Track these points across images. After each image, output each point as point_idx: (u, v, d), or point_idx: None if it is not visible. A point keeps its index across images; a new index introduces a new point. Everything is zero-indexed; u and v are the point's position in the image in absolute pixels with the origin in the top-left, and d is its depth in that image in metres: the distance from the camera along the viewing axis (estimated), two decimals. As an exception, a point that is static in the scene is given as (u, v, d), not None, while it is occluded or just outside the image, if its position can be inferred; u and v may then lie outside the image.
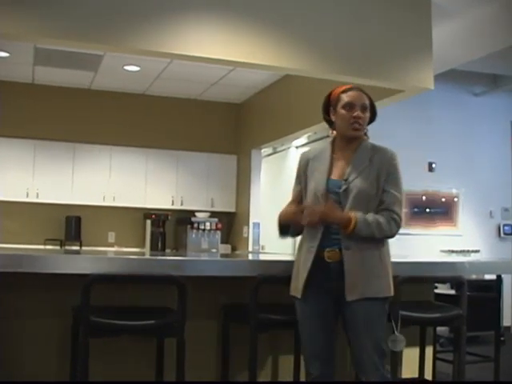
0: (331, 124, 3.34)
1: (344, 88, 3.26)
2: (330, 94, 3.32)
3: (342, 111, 3.20)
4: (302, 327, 3.23)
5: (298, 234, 3.39)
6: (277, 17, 5.22)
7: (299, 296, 3.19)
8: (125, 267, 3.27)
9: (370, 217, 3.07)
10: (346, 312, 3.11)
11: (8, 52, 7.77)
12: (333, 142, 3.32)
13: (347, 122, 3.18)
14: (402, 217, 3.16)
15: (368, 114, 3.22)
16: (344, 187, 3.12)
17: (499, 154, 9.27)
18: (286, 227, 3.36)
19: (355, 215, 3.03)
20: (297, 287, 3.21)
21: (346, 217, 3.04)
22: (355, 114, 3.16)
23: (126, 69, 8.50)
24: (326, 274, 3.12)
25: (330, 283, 3.12)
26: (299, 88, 8.13)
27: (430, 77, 5.73)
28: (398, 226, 3.13)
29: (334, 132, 3.32)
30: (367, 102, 3.22)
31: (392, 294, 3.14)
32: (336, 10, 5.42)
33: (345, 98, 3.21)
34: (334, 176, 3.19)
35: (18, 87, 9.19)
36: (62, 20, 4.66)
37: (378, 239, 3.10)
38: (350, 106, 3.18)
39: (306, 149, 9.59)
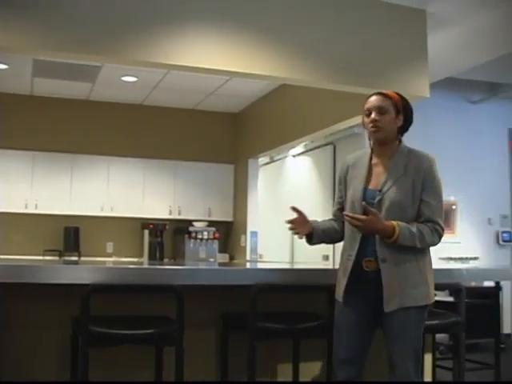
0: None
1: (368, 96, 3.29)
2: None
3: (364, 118, 3.24)
4: (338, 331, 3.24)
5: (329, 242, 3.47)
6: (273, 27, 5.25)
7: (340, 300, 3.22)
8: (123, 277, 3.27)
9: (414, 227, 3.07)
10: (383, 321, 3.13)
11: (7, 64, 7.80)
12: (371, 149, 3.33)
13: (367, 127, 3.21)
14: (443, 225, 3.15)
15: (389, 116, 3.18)
16: (378, 198, 3.13)
17: (497, 162, 9.29)
18: (309, 235, 3.39)
19: (398, 225, 3.03)
20: (339, 293, 3.25)
21: (390, 226, 3.03)
22: (371, 117, 3.18)
23: (124, 80, 8.53)
24: (365, 283, 3.16)
25: (368, 292, 3.15)
26: (296, 97, 8.15)
27: (425, 85, 5.75)
28: (440, 236, 3.14)
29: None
30: (386, 104, 3.19)
31: (431, 301, 3.16)
32: (332, 19, 5.45)
33: (366, 105, 3.25)
34: (371, 185, 3.20)
35: (17, 99, 9.22)
36: (61, 32, 4.69)
37: (416, 249, 3.10)
38: (368, 112, 3.21)
39: (302, 158, 9.70)
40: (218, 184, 10.23)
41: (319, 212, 8.99)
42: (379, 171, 3.22)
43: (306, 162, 9.71)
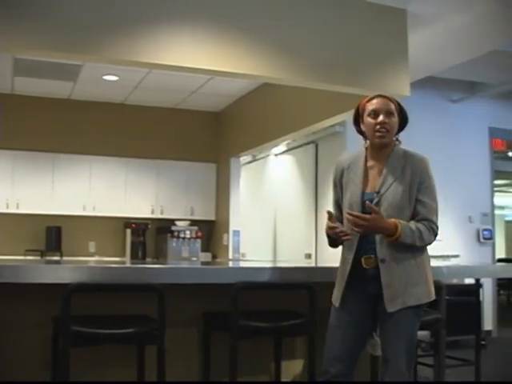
0: (364, 135, 3.35)
1: (369, 97, 3.28)
2: (358, 106, 3.33)
3: (368, 119, 3.22)
4: (333, 331, 3.26)
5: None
6: (255, 26, 5.25)
7: (337, 305, 3.26)
8: (104, 276, 3.27)
9: (413, 225, 3.11)
10: (380, 317, 3.17)
11: (-14, 63, 7.75)
12: (366, 151, 3.34)
13: (373, 129, 3.20)
14: (438, 225, 3.19)
15: (395, 119, 3.22)
16: (376, 200, 3.16)
17: (478, 160, 9.35)
18: (334, 240, 3.36)
19: (400, 223, 3.07)
20: (336, 296, 3.28)
21: (393, 224, 3.07)
22: (379, 119, 3.18)
23: (105, 79, 8.50)
24: (363, 281, 3.19)
25: (367, 289, 3.19)
26: (277, 96, 8.16)
27: (406, 84, 5.78)
28: (436, 235, 3.18)
29: (368, 142, 3.32)
30: (393, 107, 3.22)
31: (432, 298, 3.21)
32: (313, 19, 5.45)
33: (369, 106, 3.23)
34: (369, 188, 3.23)
35: (-3, 98, 9.15)
36: (41, 31, 4.66)
37: (414, 248, 3.14)
38: (374, 113, 3.21)
39: (284, 156, 9.71)
40: (201, 183, 10.23)
41: (302, 210, 9.04)
42: (376, 173, 3.25)
43: (288, 160, 9.73)
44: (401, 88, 5.75)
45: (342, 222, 3.32)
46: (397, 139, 3.31)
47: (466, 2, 5.56)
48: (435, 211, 3.20)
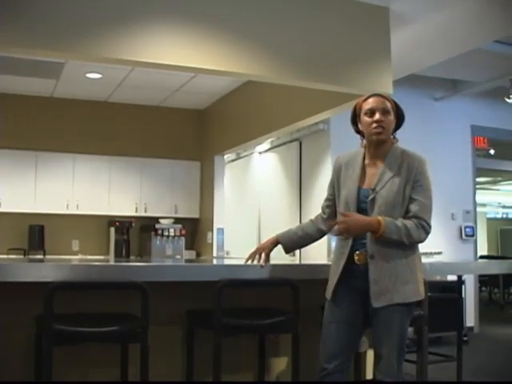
0: (362, 134, 3.38)
1: (365, 97, 3.32)
2: (355, 107, 3.38)
3: (365, 118, 3.27)
4: (327, 327, 3.31)
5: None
6: (237, 24, 5.25)
7: (328, 297, 3.32)
8: (87, 274, 3.26)
9: (399, 222, 3.14)
10: (371, 314, 3.20)
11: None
12: (365, 149, 3.38)
13: (369, 127, 3.24)
14: (430, 223, 3.21)
15: (392, 117, 3.26)
16: (371, 197, 3.20)
17: (460, 158, 9.42)
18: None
19: (384, 219, 3.12)
20: (329, 290, 3.33)
21: (375, 220, 3.12)
22: (376, 117, 3.22)
23: (88, 76, 8.46)
24: (355, 277, 3.23)
25: (359, 285, 3.22)
26: (261, 94, 8.17)
27: (389, 81, 5.80)
28: (427, 233, 3.19)
29: (365, 141, 3.36)
30: (389, 106, 3.26)
31: (421, 297, 3.22)
32: (296, 16, 5.46)
33: (365, 105, 3.28)
34: (365, 185, 3.27)
35: (-22, 96, 9.08)
36: (23, 28, 4.62)
37: (405, 245, 3.16)
38: (371, 112, 3.25)
39: (269, 154, 9.72)
40: (185, 181, 10.21)
41: (286, 207, 9.05)
42: (373, 171, 3.28)
43: (272, 158, 9.74)
44: (383, 86, 5.76)
45: (331, 218, 3.44)
46: (394, 137, 3.34)
47: (449, 0, 5.59)
48: (428, 210, 3.21)
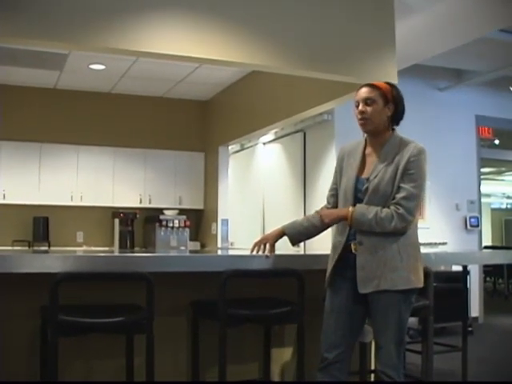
0: None
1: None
2: None
3: (355, 110, 3.29)
4: (327, 316, 3.31)
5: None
6: (241, 14, 5.22)
7: (326, 286, 3.33)
8: (92, 265, 3.26)
9: (372, 210, 3.13)
10: (367, 303, 3.20)
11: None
12: (365, 138, 3.39)
13: (357, 119, 3.27)
14: (414, 211, 3.14)
15: (379, 106, 3.22)
16: (365, 186, 3.21)
17: (464, 148, 9.40)
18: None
19: (353, 208, 3.17)
20: (327, 279, 3.35)
21: (344, 211, 3.21)
22: (358, 109, 3.24)
23: (92, 67, 8.44)
24: (352, 267, 3.23)
25: (353, 274, 3.22)
26: (265, 84, 8.15)
27: (393, 71, 5.77)
28: (404, 221, 3.10)
29: None
30: (374, 95, 3.23)
31: (415, 286, 3.17)
32: (299, 5, 5.43)
33: (355, 97, 3.30)
34: (364, 174, 3.28)
35: (-19, 88, 9.07)
36: (26, 19, 4.60)
37: (396, 234, 3.13)
38: (356, 104, 3.27)
39: (273, 145, 9.72)
40: (189, 172, 10.20)
41: (290, 198, 9.05)
42: (372, 160, 3.29)
43: (276, 149, 9.73)
44: (388, 76, 5.73)
45: (337, 207, 3.42)
46: (390, 126, 3.30)
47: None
48: (413, 198, 3.13)
